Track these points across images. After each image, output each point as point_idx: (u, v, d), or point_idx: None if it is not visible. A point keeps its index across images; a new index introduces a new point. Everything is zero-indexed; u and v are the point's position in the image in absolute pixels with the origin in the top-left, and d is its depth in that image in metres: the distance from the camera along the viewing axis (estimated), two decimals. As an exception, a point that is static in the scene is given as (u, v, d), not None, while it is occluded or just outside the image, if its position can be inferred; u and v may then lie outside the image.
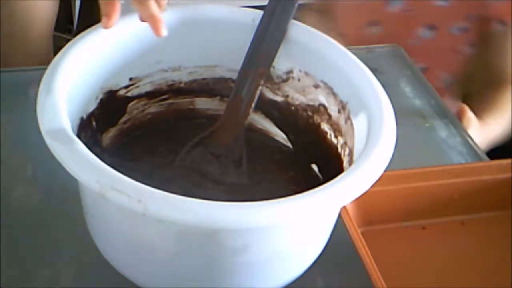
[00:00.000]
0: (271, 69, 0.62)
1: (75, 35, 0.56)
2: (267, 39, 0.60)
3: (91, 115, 0.57)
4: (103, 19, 0.55)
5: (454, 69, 1.02)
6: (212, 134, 0.63)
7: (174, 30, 0.60)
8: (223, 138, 0.62)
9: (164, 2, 0.57)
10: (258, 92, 0.61)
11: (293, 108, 0.64)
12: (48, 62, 0.52)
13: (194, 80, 0.65)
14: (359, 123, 0.55)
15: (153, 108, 0.65)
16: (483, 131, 0.89)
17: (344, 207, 0.61)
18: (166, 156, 0.62)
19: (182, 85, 0.65)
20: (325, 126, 0.62)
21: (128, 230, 0.49)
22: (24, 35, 0.98)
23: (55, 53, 0.54)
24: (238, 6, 0.63)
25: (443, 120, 0.84)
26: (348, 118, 0.58)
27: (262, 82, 0.61)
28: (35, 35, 0.99)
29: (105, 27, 0.54)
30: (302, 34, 0.61)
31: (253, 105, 0.61)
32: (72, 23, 1.61)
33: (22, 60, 0.97)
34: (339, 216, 0.59)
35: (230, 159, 0.62)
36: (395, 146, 0.50)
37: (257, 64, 0.61)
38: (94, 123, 0.58)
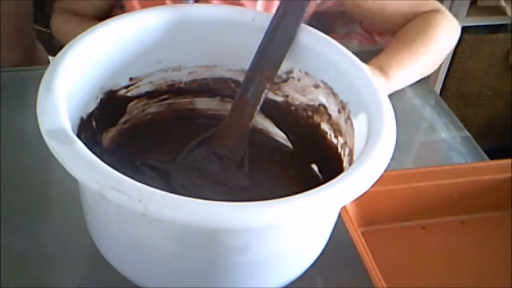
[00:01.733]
0: (272, 69, 0.62)
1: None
2: (275, 42, 0.60)
3: (91, 115, 0.57)
4: None
5: None
6: (215, 134, 0.63)
7: (174, 30, 0.60)
8: (227, 138, 0.62)
9: None
10: (263, 95, 0.61)
11: (293, 108, 0.64)
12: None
13: (194, 80, 0.65)
14: (359, 123, 0.55)
15: (153, 108, 0.65)
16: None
17: (344, 207, 0.61)
18: (166, 156, 0.62)
19: (182, 85, 0.65)
20: (325, 126, 0.62)
21: (128, 230, 0.49)
22: None
23: (54, 53, 0.54)
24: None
25: (443, 120, 0.84)
26: (348, 118, 0.58)
27: (268, 85, 0.61)
28: None
29: None
30: (302, 34, 0.61)
31: (258, 107, 0.62)
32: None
33: None
34: (339, 216, 0.59)
35: (232, 160, 0.62)
36: (395, 146, 0.50)
37: (264, 67, 0.61)
38: (94, 123, 0.58)
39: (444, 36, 0.87)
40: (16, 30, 0.98)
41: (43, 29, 1.40)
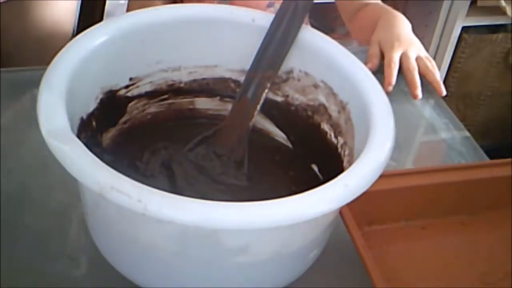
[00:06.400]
0: (271, 69, 0.62)
1: (75, 35, 0.56)
2: (276, 42, 0.60)
3: (91, 115, 0.57)
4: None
5: None
6: (216, 134, 0.63)
7: (174, 30, 0.60)
8: (227, 138, 0.62)
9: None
10: (264, 95, 0.61)
11: (293, 108, 0.64)
12: None
13: (194, 80, 0.65)
14: (359, 123, 0.55)
15: (153, 108, 0.65)
16: None
17: (344, 207, 0.61)
18: (166, 155, 0.62)
19: (182, 85, 0.65)
20: (325, 126, 0.62)
21: (128, 230, 0.49)
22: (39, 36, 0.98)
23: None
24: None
25: (443, 120, 0.84)
26: (348, 118, 0.58)
27: (268, 85, 0.61)
28: (50, 36, 0.99)
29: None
30: (302, 34, 0.61)
31: (258, 107, 0.62)
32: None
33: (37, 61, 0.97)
34: (339, 216, 0.59)
35: (232, 160, 0.62)
36: (395, 146, 0.50)
37: (264, 67, 0.61)
38: (94, 123, 0.58)
39: None
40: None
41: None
